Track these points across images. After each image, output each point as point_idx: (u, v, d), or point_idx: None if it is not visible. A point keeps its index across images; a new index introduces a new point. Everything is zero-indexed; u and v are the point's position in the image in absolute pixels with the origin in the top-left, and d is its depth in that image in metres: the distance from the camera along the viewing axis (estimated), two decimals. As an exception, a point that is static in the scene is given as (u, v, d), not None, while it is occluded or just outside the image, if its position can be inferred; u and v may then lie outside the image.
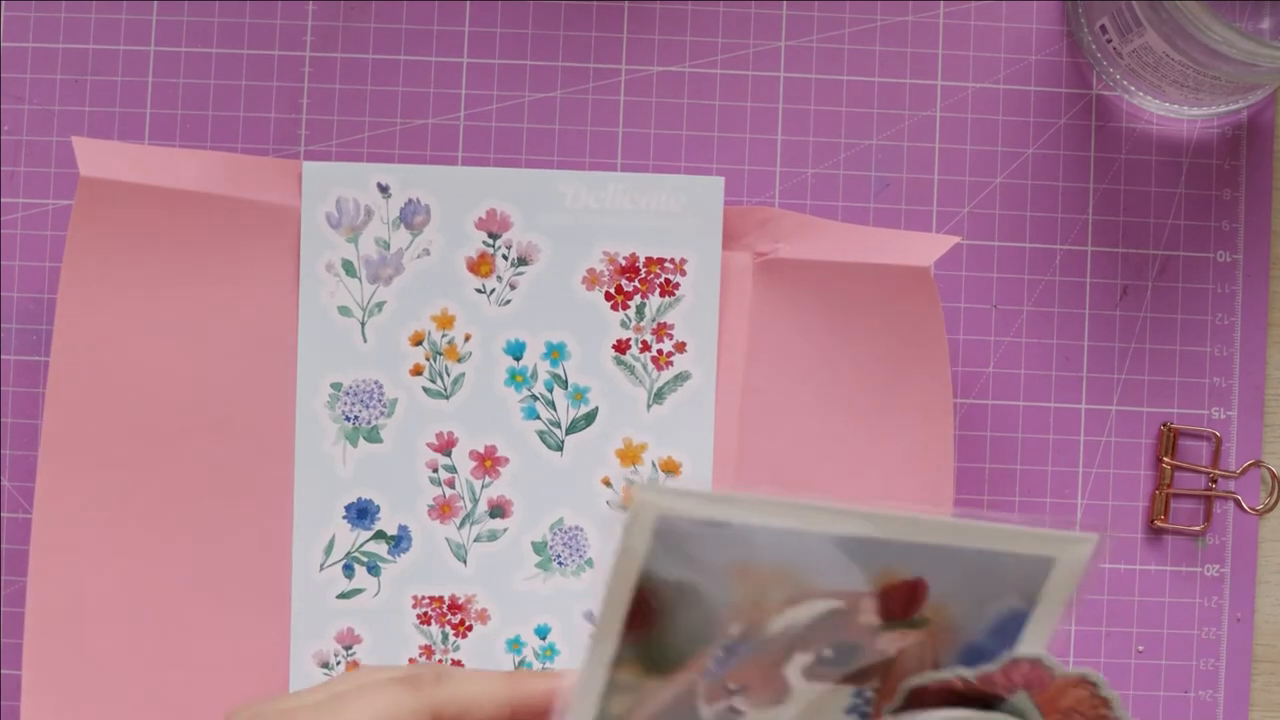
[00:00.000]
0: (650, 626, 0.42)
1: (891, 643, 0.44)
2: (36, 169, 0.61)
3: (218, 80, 0.62)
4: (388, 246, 0.60)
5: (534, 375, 0.60)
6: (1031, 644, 0.43)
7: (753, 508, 0.41)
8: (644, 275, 0.60)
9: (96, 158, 0.59)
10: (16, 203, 0.61)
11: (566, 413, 0.60)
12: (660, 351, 0.60)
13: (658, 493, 0.40)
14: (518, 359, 0.60)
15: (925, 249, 0.59)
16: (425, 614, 0.60)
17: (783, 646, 0.43)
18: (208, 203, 0.59)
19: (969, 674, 0.42)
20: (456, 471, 0.60)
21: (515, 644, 0.60)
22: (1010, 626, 0.43)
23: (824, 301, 0.60)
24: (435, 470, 0.60)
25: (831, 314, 0.60)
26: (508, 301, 0.60)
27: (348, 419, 0.60)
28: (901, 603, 0.43)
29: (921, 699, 0.43)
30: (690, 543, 0.41)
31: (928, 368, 0.59)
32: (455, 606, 0.60)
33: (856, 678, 0.44)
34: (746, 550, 0.42)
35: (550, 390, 0.60)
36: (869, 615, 0.43)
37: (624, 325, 0.60)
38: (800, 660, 0.43)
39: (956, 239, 0.59)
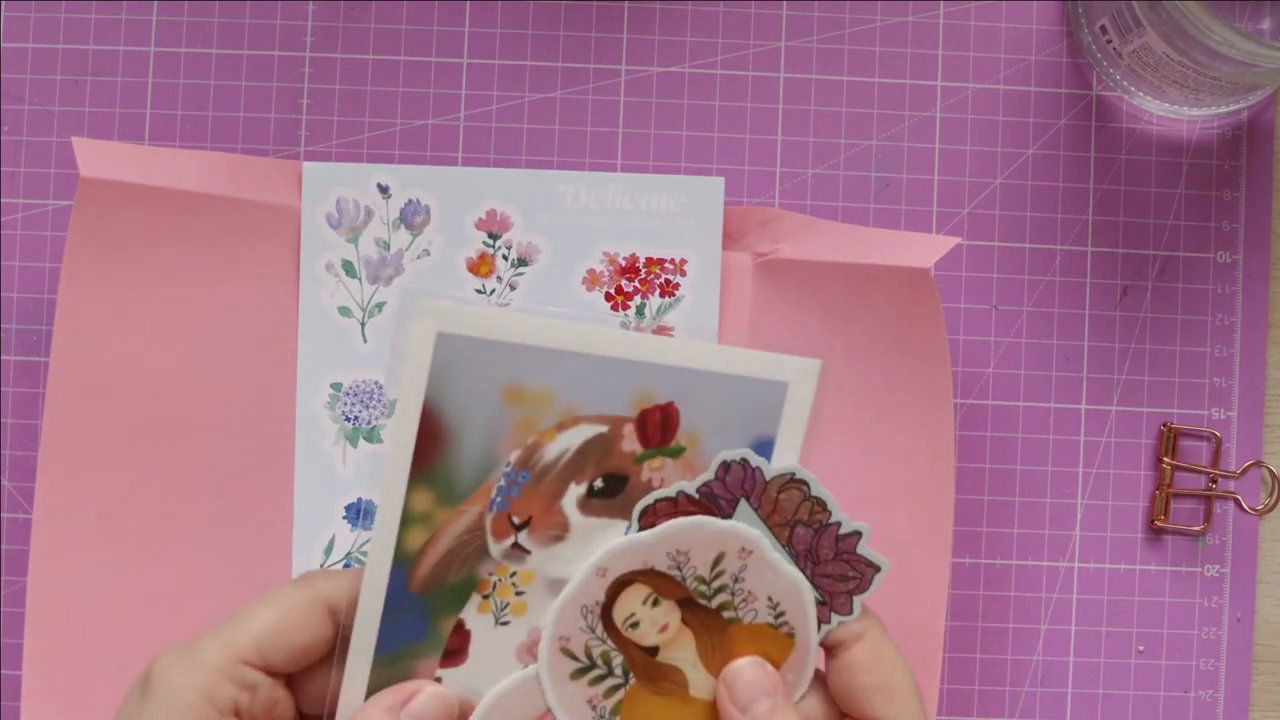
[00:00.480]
0: (438, 452, 0.46)
1: (653, 472, 0.48)
2: (36, 169, 0.61)
3: (218, 80, 0.62)
4: (388, 247, 0.60)
5: (534, 375, 0.60)
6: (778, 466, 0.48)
7: (516, 325, 0.46)
8: (644, 275, 0.60)
9: (96, 158, 0.59)
10: (16, 203, 0.61)
11: (566, 413, 0.60)
12: (660, 352, 0.60)
13: (435, 310, 0.45)
14: (518, 359, 0.60)
15: (926, 250, 0.59)
16: (425, 614, 0.60)
17: (558, 477, 0.47)
18: (208, 203, 0.59)
19: (690, 487, 0.47)
20: (456, 472, 0.60)
21: (515, 644, 0.60)
22: (760, 453, 0.48)
23: (824, 302, 0.60)
24: None
25: (831, 315, 0.60)
26: (508, 302, 0.60)
27: (348, 419, 0.60)
28: (657, 428, 0.47)
29: (654, 522, 0.48)
30: (466, 362, 0.46)
31: (928, 368, 0.59)
32: (455, 607, 0.60)
33: (626, 512, 0.48)
34: (515, 370, 0.46)
35: (550, 390, 0.60)
36: (631, 442, 0.47)
37: (624, 326, 0.60)
38: (575, 492, 0.47)
39: (957, 240, 0.59)
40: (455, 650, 0.48)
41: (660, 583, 0.48)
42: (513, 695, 0.48)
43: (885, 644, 0.48)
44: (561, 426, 0.47)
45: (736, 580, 0.48)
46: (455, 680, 0.48)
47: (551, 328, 0.47)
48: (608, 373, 0.47)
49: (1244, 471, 0.63)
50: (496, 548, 0.47)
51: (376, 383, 0.60)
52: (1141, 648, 0.62)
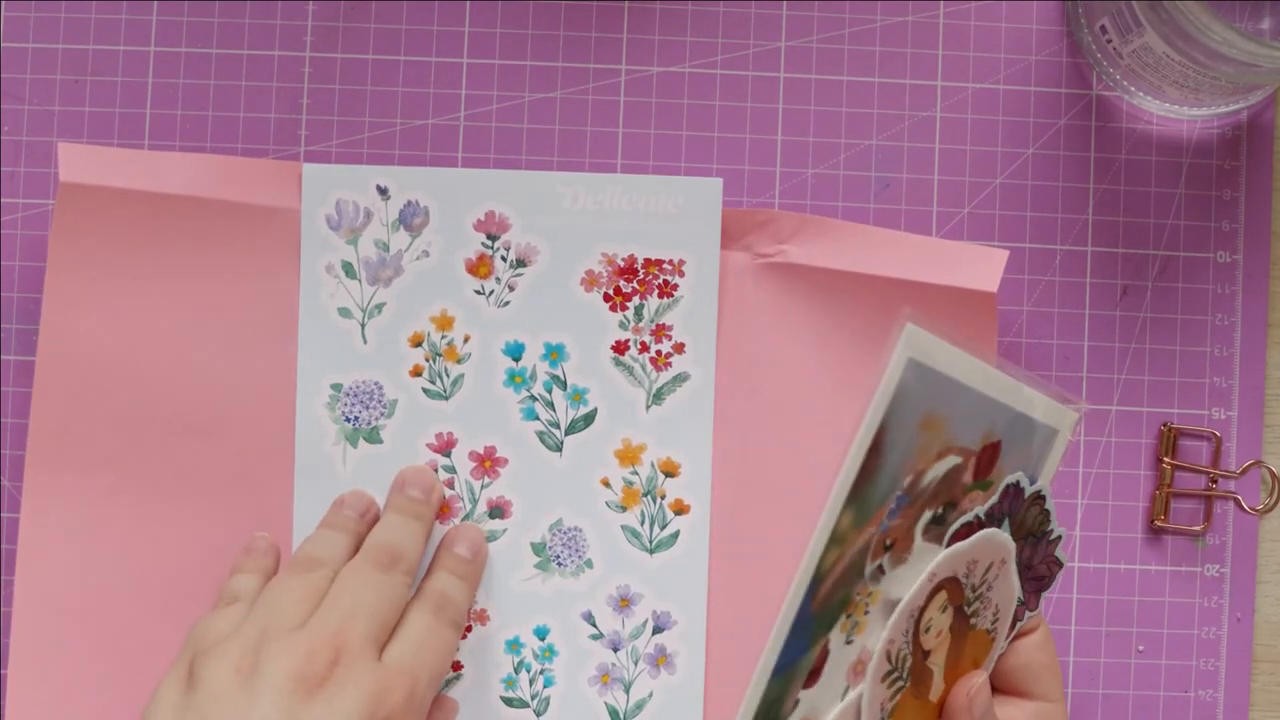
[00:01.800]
0: (871, 472, 0.47)
1: (972, 503, 0.50)
2: (36, 169, 0.61)
3: (218, 80, 0.62)
4: (387, 248, 0.60)
5: (533, 376, 0.60)
6: None
7: (966, 367, 0.49)
8: (642, 276, 0.60)
9: (79, 164, 0.59)
10: (16, 203, 0.61)
11: (565, 413, 0.60)
12: (659, 352, 0.60)
13: (917, 336, 0.47)
14: (517, 360, 0.60)
15: (960, 264, 0.59)
16: (424, 614, 0.60)
17: (922, 502, 0.49)
18: (197, 206, 0.59)
19: (981, 511, 0.51)
20: (456, 472, 0.60)
21: (514, 645, 0.60)
22: None
23: (841, 308, 0.60)
24: (435, 471, 0.60)
25: (858, 325, 0.60)
26: (507, 303, 0.60)
27: (348, 420, 0.60)
28: (987, 462, 0.50)
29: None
30: (914, 388, 0.47)
31: None
32: (454, 607, 0.60)
33: (941, 538, 0.51)
34: (937, 401, 0.48)
35: (549, 391, 0.60)
36: (968, 474, 0.50)
37: (623, 326, 0.60)
38: (925, 518, 0.50)
39: (1004, 254, 0.59)
40: (816, 670, 0.49)
41: (955, 590, 0.51)
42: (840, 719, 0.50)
43: (1048, 629, 0.55)
44: (939, 456, 0.49)
45: (990, 589, 0.52)
46: (807, 701, 0.49)
47: (974, 365, 0.49)
48: (979, 408, 0.50)
49: (1244, 471, 0.62)
50: (869, 568, 0.48)
51: (376, 383, 0.60)
52: (1141, 648, 0.62)
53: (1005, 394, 0.50)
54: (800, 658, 0.48)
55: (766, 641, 0.47)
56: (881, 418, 0.47)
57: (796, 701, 0.49)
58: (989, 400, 0.50)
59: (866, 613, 0.49)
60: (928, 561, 0.50)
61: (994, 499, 0.51)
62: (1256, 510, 0.62)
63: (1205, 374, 0.63)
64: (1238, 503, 0.62)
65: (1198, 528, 0.62)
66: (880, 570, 0.49)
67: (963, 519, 0.50)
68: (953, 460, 0.49)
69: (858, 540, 0.48)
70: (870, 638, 0.49)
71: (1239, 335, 0.63)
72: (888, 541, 0.49)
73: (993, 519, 0.51)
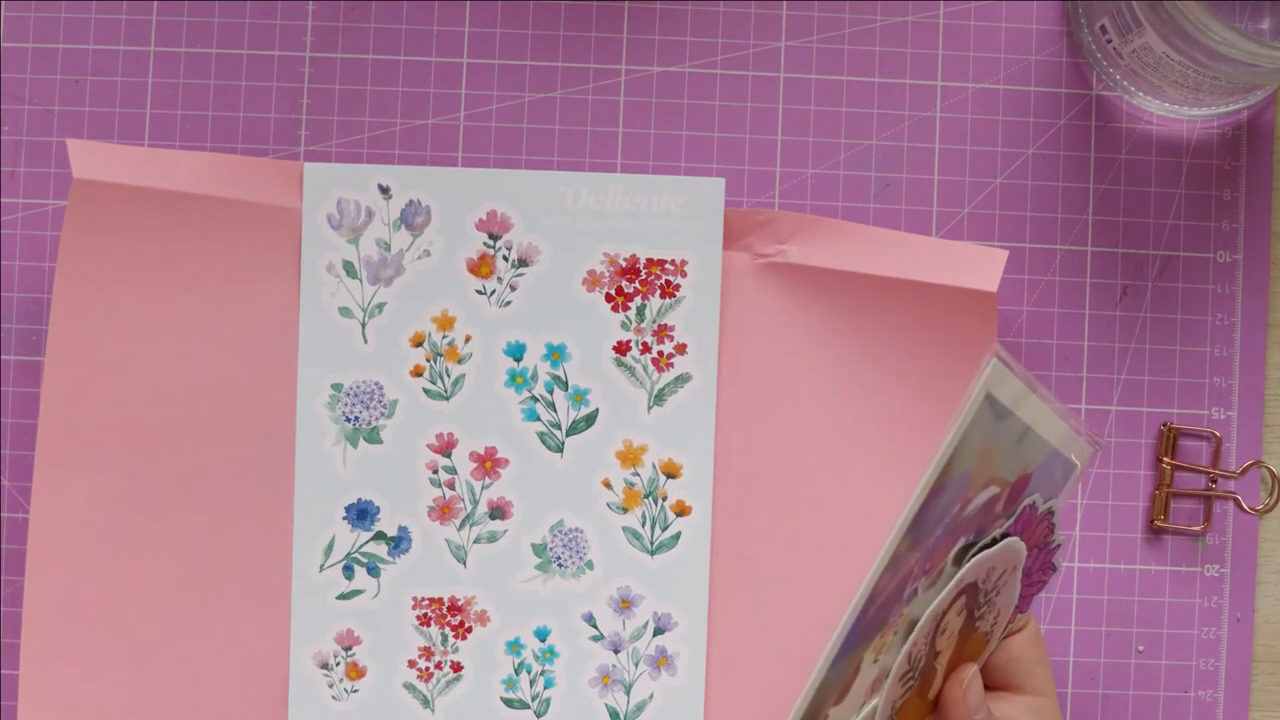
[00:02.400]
0: (936, 498, 0.47)
1: (997, 530, 0.51)
2: (36, 169, 0.61)
3: (218, 80, 0.62)
4: (388, 248, 0.60)
5: (534, 377, 0.60)
6: None
7: (1027, 404, 0.49)
8: (644, 276, 0.60)
9: (90, 160, 0.59)
10: (16, 203, 0.61)
11: (567, 414, 0.60)
12: (661, 353, 0.60)
13: (994, 372, 0.47)
14: (518, 360, 0.60)
15: (961, 265, 0.59)
16: (425, 615, 0.60)
17: (960, 529, 0.49)
18: (204, 204, 0.59)
19: (999, 533, 0.51)
20: (456, 473, 0.60)
21: (515, 646, 0.60)
22: None
23: (842, 308, 0.60)
24: (435, 471, 0.60)
25: (860, 324, 0.60)
26: (508, 303, 0.60)
27: (348, 420, 0.60)
28: (1017, 493, 0.51)
29: None
30: (985, 423, 0.47)
31: (958, 392, 0.59)
32: (455, 608, 0.60)
33: (963, 561, 0.51)
34: (996, 434, 0.48)
35: (550, 392, 0.60)
36: (1000, 504, 0.50)
37: (624, 327, 0.60)
38: (959, 545, 0.50)
39: (1003, 254, 0.59)
40: (846, 688, 0.49)
41: (973, 595, 0.51)
42: None
43: (1037, 625, 0.57)
44: (985, 485, 0.49)
45: (998, 594, 0.52)
46: (835, 717, 0.49)
47: (1034, 404, 0.49)
48: (1025, 443, 0.50)
49: (1244, 471, 0.63)
50: (907, 590, 0.49)
51: (377, 383, 0.60)
52: (1141, 648, 0.62)
53: (1050, 432, 0.51)
54: (840, 675, 0.48)
55: (817, 660, 0.48)
56: (955, 447, 0.47)
57: (826, 717, 0.49)
58: (1035, 436, 0.50)
59: (895, 633, 0.49)
60: (945, 586, 0.51)
61: (1010, 522, 0.51)
62: (1256, 510, 0.62)
63: (1205, 374, 0.63)
64: (1237, 503, 0.62)
65: (1198, 528, 0.62)
66: (914, 593, 0.49)
67: (981, 543, 0.51)
68: (993, 490, 0.50)
69: (907, 561, 0.48)
70: (889, 656, 0.50)
71: (1239, 335, 0.63)
72: (927, 566, 0.49)
73: (1008, 538, 0.52)
